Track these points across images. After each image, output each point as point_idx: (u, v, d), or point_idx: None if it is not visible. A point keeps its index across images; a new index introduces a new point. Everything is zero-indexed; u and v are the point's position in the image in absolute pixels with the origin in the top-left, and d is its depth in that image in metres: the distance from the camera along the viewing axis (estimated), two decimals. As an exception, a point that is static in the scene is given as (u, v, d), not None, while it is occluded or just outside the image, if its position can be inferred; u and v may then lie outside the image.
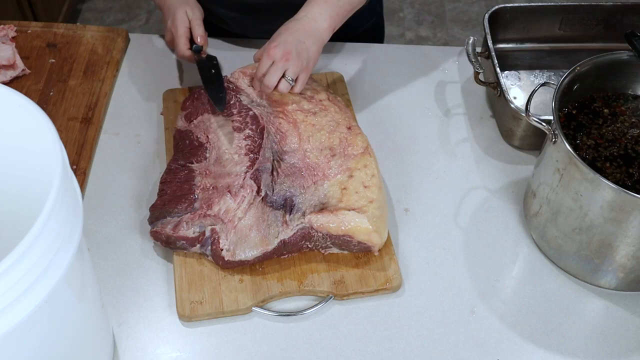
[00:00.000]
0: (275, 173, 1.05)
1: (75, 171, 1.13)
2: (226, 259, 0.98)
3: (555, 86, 1.00)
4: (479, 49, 1.26)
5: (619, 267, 0.97)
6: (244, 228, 0.99)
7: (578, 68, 1.03)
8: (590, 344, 0.97)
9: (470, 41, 1.22)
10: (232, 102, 1.14)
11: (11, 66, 1.27)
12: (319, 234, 0.99)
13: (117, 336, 0.96)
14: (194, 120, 1.14)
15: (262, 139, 1.08)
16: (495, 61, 1.19)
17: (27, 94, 1.12)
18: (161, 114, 1.24)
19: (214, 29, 1.21)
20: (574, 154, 0.91)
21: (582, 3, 1.32)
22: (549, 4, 1.33)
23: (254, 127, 1.10)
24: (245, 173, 1.03)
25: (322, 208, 1.01)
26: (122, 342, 0.95)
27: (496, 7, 1.31)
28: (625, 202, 0.88)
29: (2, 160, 0.76)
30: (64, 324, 0.73)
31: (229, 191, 1.01)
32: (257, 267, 1.00)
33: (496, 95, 1.19)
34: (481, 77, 1.21)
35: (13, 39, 1.34)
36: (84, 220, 0.70)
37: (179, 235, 1.00)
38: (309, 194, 1.03)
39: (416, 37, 2.92)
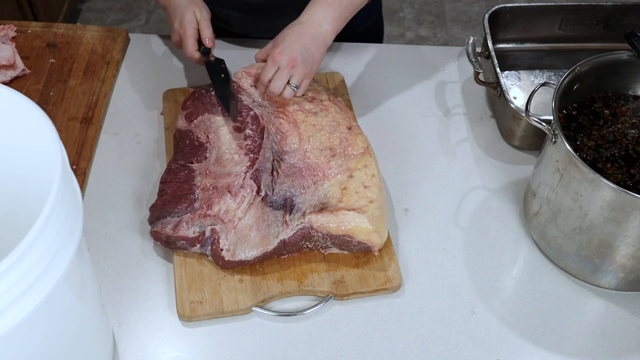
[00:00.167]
0: (275, 173, 1.05)
1: (75, 171, 1.13)
2: (226, 259, 0.98)
3: (555, 86, 1.00)
4: (479, 49, 1.26)
5: (619, 267, 0.97)
6: (244, 228, 0.99)
7: (578, 68, 1.03)
8: (590, 344, 0.97)
9: (470, 41, 1.22)
10: (232, 102, 1.14)
11: (11, 66, 1.27)
12: (319, 234, 0.99)
13: (117, 336, 0.96)
14: (194, 120, 1.14)
15: (262, 139, 1.08)
16: (495, 61, 1.19)
17: (27, 94, 1.13)
18: (161, 114, 1.24)
19: (215, 29, 1.21)
20: (574, 154, 0.91)
21: (582, 3, 1.32)
22: (549, 4, 1.33)
23: (254, 127, 1.10)
24: (245, 173, 1.03)
25: (322, 208, 1.01)
26: (122, 342, 0.95)
27: (496, 7, 1.31)
28: (625, 202, 0.88)
29: (2, 160, 0.76)
30: (64, 324, 0.73)
31: (229, 191, 1.01)
32: (257, 267, 1.00)
33: (496, 95, 1.19)
34: (481, 77, 1.21)
35: (13, 39, 1.34)
36: (84, 220, 0.70)
37: (179, 235, 1.00)
38: (309, 194, 1.03)
39: (416, 37, 2.91)
